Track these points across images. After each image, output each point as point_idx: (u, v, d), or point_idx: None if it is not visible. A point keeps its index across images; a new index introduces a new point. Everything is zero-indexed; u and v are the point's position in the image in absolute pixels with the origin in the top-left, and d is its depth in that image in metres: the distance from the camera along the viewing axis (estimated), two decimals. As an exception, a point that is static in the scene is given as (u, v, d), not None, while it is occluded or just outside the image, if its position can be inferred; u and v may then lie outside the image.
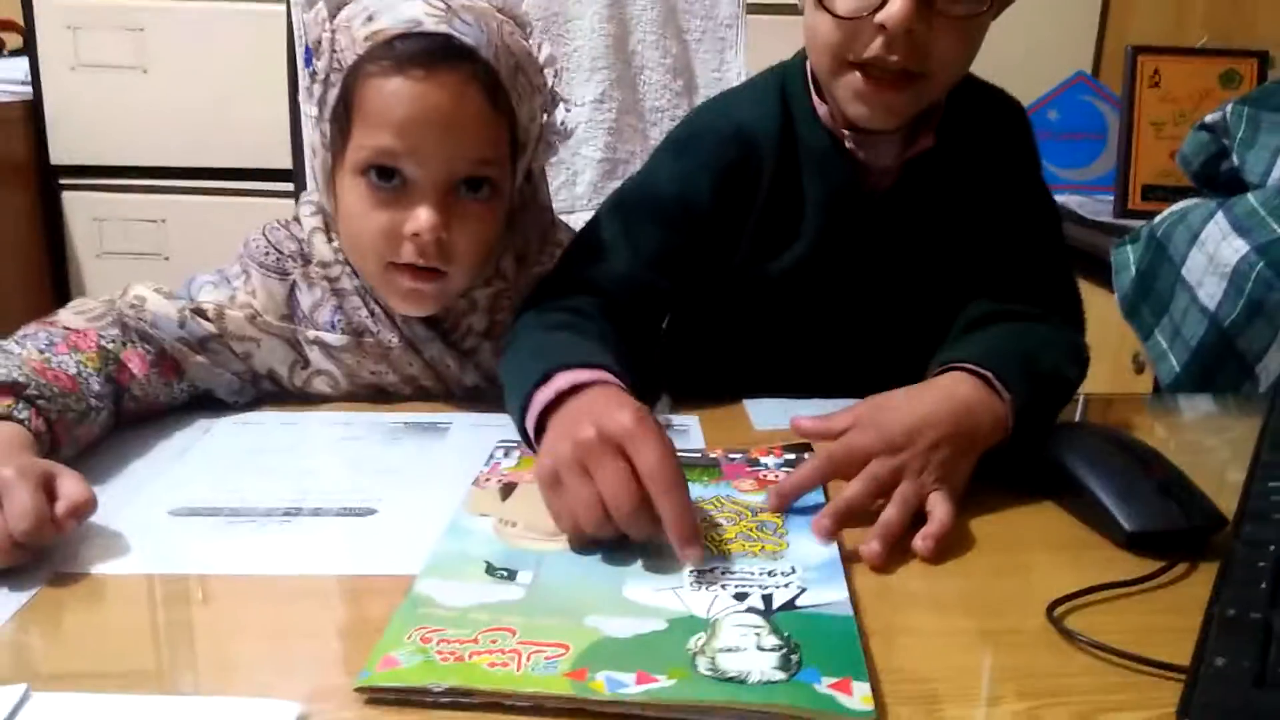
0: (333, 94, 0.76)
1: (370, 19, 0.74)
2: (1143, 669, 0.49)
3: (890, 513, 0.62)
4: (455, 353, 0.84)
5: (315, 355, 0.83)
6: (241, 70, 1.97)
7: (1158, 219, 1.34)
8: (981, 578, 0.59)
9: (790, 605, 0.53)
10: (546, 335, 0.75)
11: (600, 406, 0.61)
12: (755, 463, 0.72)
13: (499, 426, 0.77)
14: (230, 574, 0.58)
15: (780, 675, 0.47)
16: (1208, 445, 0.91)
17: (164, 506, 0.65)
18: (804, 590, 0.55)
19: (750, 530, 0.62)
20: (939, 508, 0.63)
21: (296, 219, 0.84)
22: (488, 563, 0.57)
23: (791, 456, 0.73)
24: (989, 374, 0.71)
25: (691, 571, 0.57)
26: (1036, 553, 0.63)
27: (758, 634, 0.51)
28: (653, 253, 0.83)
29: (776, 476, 0.70)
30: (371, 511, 0.65)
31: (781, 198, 0.84)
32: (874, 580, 0.58)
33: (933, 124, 0.82)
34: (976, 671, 0.50)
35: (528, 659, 0.48)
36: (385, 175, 0.75)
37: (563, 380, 0.65)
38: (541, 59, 0.80)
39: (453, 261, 0.77)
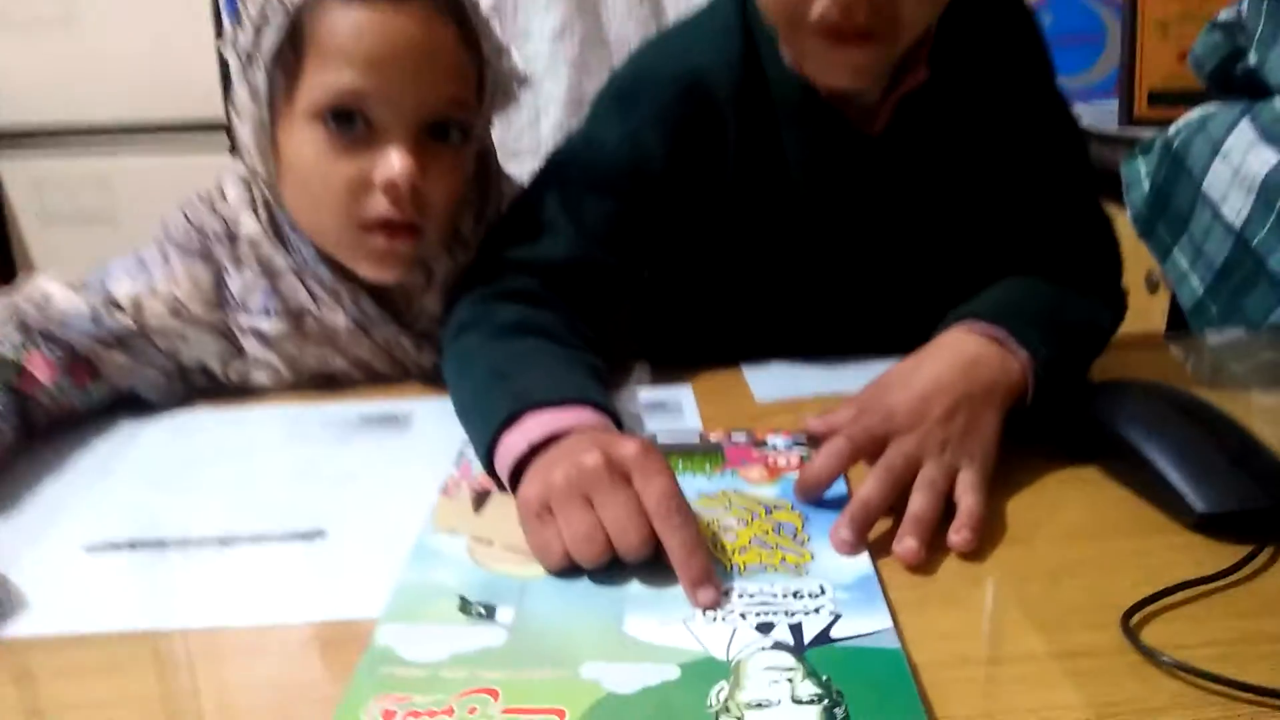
0: (270, 36, 0.65)
1: None
2: (1243, 696, 0.41)
3: (918, 502, 0.54)
4: (410, 333, 0.75)
5: (251, 345, 0.74)
6: (172, 18, 1.83)
7: (1173, 128, 1.24)
8: (1036, 580, 0.51)
9: (824, 638, 0.45)
10: (503, 344, 0.65)
11: (596, 436, 0.53)
12: (762, 444, 0.64)
13: (469, 415, 0.68)
14: (150, 629, 0.49)
15: (823, 739, 0.39)
16: (1264, 399, 0.82)
17: (79, 541, 0.56)
18: (838, 617, 0.46)
19: (766, 534, 0.54)
20: (968, 494, 0.55)
21: (221, 193, 0.74)
22: (462, 597, 0.49)
23: (802, 437, 0.64)
24: (999, 331, 0.62)
25: (702, 596, 0.48)
26: (1095, 541, 0.54)
27: (790, 679, 0.42)
28: (599, 227, 0.72)
29: (788, 461, 0.61)
30: (320, 534, 0.56)
31: (756, 153, 0.73)
32: (912, 593, 0.49)
33: (923, 54, 0.70)
34: (1052, 712, 0.42)
35: (514, 734, 0.40)
36: (347, 120, 0.66)
37: (534, 427, 0.56)
38: (485, 4, 0.70)
39: (427, 215, 0.68)
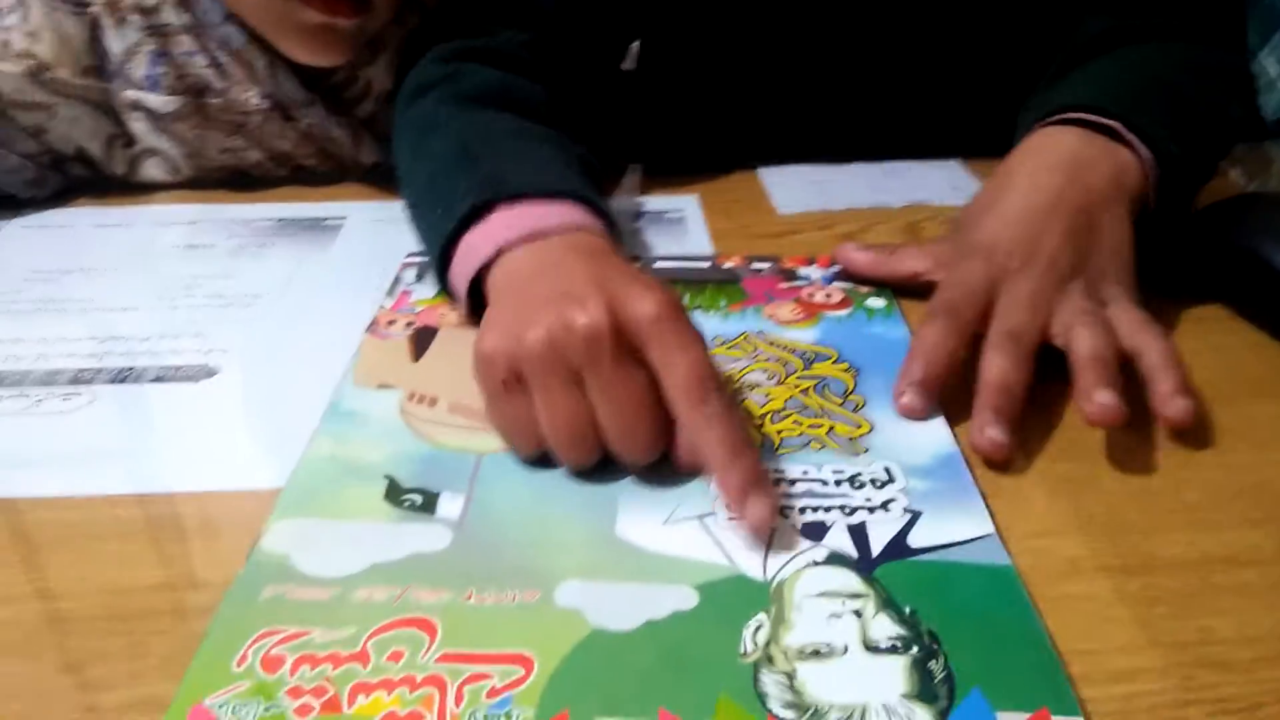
0: None
1: None
2: None
3: (1091, 343, 0.38)
4: (344, 119, 0.59)
5: (139, 127, 0.58)
6: None
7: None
8: (1160, 456, 0.37)
9: (900, 547, 0.32)
10: (473, 115, 0.49)
11: (599, 273, 0.36)
12: (791, 275, 0.49)
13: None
14: None
15: (924, 716, 0.26)
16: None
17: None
18: (916, 516, 0.33)
19: (807, 394, 0.40)
20: (1143, 334, 0.39)
21: None
22: (389, 480, 0.35)
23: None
24: (1107, 119, 0.45)
25: (724, 481, 0.35)
26: (1234, 405, 0.40)
27: (858, 612, 0.29)
28: None
29: (829, 296, 0.47)
30: (210, 373, 0.42)
31: None
32: (996, 475, 0.36)
33: None
34: (1212, 648, 0.29)
35: (458, 698, 0.27)
36: None
37: (506, 225, 0.40)
38: None
39: None
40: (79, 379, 0.42)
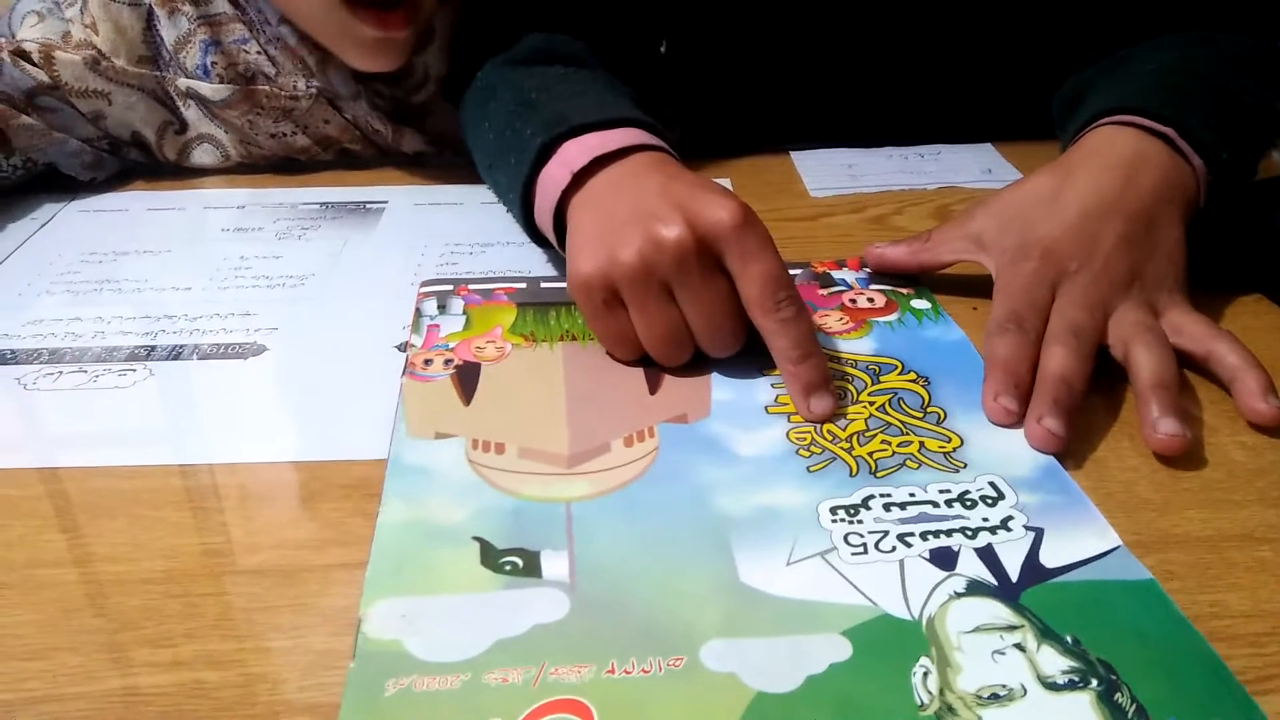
0: None
1: None
2: None
3: (1152, 362, 0.38)
4: (385, 115, 0.60)
5: (192, 114, 0.59)
6: None
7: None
8: (1218, 452, 0.37)
9: (1036, 569, 0.31)
10: (527, 71, 0.52)
11: (670, 186, 0.40)
12: (828, 280, 0.48)
13: (452, 205, 0.57)
14: (27, 467, 0.36)
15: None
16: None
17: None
18: (1040, 533, 0.32)
19: (882, 410, 0.39)
20: (1218, 342, 0.40)
21: None
22: (481, 542, 0.32)
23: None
24: (1162, 125, 0.45)
25: (835, 513, 0.33)
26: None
27: (1020, 645, 0.28)
28: None
29: (871, 299, 0.46)
30: (260, 350, 0.43)
31: None
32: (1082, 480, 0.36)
33: None
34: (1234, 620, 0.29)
35: (639, 788, 0.25)
36: None
37: (577, 153, 0.43)
38: None
39: None
40: (134, 356, 0.43)
